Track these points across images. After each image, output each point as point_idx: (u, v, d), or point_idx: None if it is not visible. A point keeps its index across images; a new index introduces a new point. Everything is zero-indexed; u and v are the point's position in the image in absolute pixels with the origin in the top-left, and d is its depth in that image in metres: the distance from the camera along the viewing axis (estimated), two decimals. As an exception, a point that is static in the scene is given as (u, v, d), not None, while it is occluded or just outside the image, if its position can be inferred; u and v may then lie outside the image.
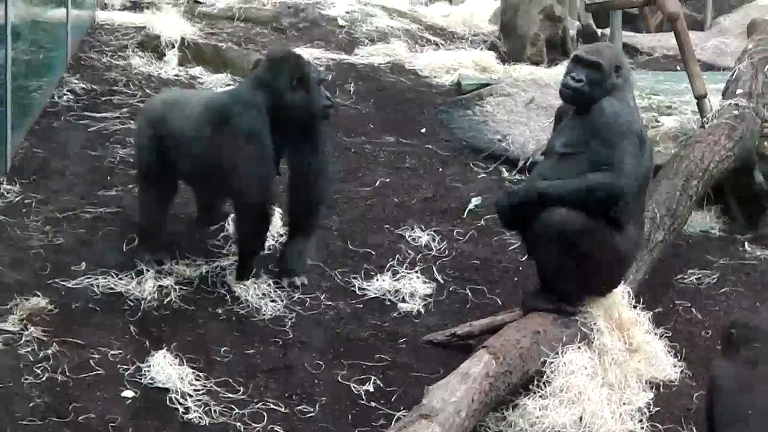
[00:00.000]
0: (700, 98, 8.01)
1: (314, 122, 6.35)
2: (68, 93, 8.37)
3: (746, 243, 7.48)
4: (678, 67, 10.05)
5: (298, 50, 8.82)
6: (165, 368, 5.58)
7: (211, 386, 5.55)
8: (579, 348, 5.61)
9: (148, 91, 8.56)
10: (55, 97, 8.29)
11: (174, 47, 9.44)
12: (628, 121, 5.60)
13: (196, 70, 9.18)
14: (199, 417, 5.34)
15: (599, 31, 11.78)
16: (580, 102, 5.74)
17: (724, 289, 6.85)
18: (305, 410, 5.49)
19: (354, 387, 5.67)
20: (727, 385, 4.87)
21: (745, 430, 4.74)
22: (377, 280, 6.59)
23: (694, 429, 5.42)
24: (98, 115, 8.14)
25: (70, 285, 6.20)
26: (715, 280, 6.95)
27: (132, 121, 7.58)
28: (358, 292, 6.50)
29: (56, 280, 6.23)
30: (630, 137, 5.56)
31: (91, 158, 7.61)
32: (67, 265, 6.39)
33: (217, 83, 8.90)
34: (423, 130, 8.60)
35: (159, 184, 6.51)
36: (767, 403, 4.76)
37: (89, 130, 7.93)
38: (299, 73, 6.25)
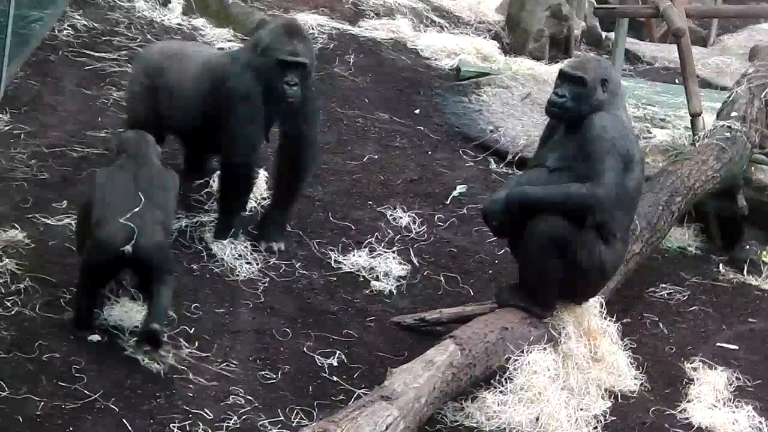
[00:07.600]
0: (695, 116, 8.05)
1: (306, 93, 6.35)
2: (69, 28, 8.31)
3: (721, 264, 7.52)
4: (677, 80, 10.05)
5: (302, 16, 8.84)
6: (133, 317, 5.60)
7: (177, 341, 5.58)
8: (545, 349, 5.66)
9: (149, 36, 8.51)
10: (56, 31, 8.23)
11: (179, -5, 9.39)
12: (614, 137, 5.62)
13: (199, 22, 9.11)
14: (161, 370, 5.37)
15: (604, 34, 11.77)
16: (565, 118, 5.78)
17: (693, 308, 6.90)
18: (267, 376, 5.53)
19: (318, 359, 5.72)
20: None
21: None
22: (354, 255, 6.62)
23: (646, 442, 5.49)
24: (96, 54, 8.10)
25: (49, 221, 6.21)
26: (686, 297, 6.99)
27: (129, 65, 7.54)
28: (333, 264, 6.53)
29: (36, 215, 6.23)
30: (614, 153, 5.59)
31: (85, 97, 7.58)
32: (49, 202, 6.39)
33: (219, 38, 8.84)
34: (417, 111, 8.60)
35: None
36: None
37: (86, 68, 7.89)
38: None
